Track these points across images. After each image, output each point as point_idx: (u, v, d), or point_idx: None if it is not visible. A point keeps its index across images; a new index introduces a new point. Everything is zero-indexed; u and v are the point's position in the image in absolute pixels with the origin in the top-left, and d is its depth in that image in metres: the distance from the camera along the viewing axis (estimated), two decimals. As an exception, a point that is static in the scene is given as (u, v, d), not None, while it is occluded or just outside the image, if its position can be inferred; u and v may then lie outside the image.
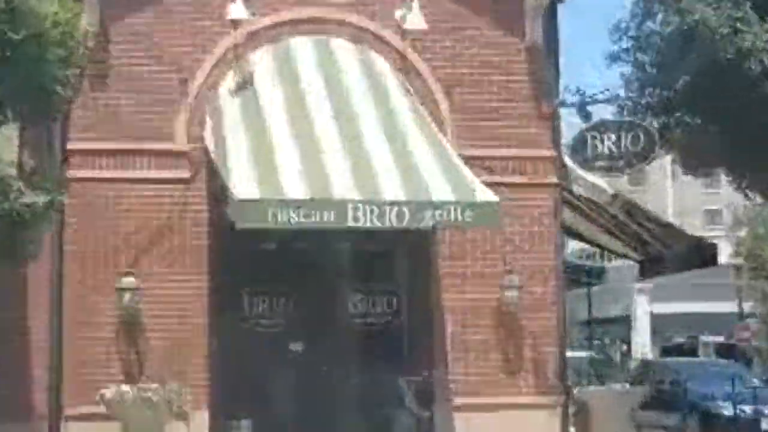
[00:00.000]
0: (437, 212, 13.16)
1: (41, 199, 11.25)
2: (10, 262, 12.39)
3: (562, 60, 16.42)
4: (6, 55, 9.80)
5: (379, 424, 14.79)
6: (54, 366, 14.25)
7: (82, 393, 13.99)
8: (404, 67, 15.23)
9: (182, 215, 14.59)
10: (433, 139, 14.35)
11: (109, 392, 13.74)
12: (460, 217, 13.32)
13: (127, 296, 14.16)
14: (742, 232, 41.17)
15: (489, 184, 13.84)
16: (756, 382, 28.45)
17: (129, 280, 14.16)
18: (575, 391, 17.41)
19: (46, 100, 11.05)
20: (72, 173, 14.25)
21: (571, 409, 16.63)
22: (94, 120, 14.46)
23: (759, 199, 23.31)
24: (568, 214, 17.52)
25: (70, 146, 14.32)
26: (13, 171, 11.61)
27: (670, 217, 24.07)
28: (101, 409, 13.76)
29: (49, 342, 14.30)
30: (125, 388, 13.82)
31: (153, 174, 14.61)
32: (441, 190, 13.34)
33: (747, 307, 40.16)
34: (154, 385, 13.84)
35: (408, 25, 15.16)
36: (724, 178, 19.27)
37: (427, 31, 15.23)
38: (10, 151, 12.58)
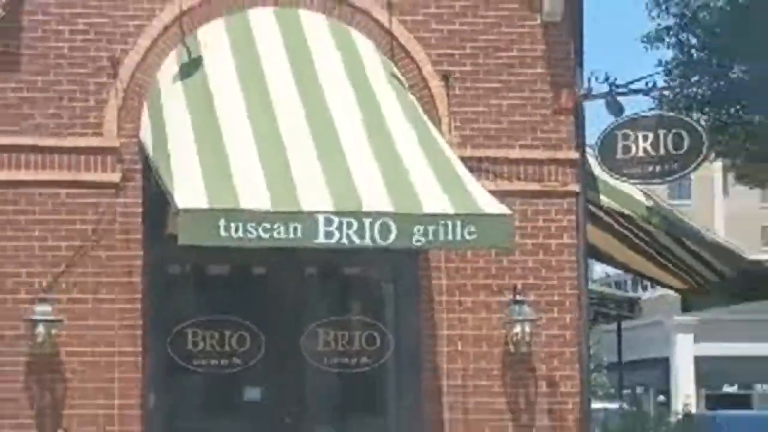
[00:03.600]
0: (430, 228, 13.02)
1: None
2: None
3: (587, 41, 16.41)
4: None
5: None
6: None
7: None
8: (391, 48, 15.19)
9: (111, 228, 14.52)
10: (426, 136, 14.26)
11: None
12: (459, 235, 13.15)
13: (40, 329, 14.04)
14: (809, 256, 41.43)
15: (496, 194, 13.81)
16: None
17: (43, 309, 14.03)
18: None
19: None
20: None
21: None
22: (6, 107, 14.39)
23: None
24: (593, 232, 17.49)
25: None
26: None
27: (720, 237, 24.29)
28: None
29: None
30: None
31: (74, 176, 14.52)
32: (435, 201, 13.20)
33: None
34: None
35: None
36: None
37: (421, 3, 15.24)
38: None
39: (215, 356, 15.47)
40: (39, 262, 14.28)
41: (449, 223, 13.01)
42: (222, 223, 12.46)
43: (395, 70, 15.06)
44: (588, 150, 16.69)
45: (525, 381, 15.14)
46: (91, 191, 14.49)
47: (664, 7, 17.34)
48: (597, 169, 17.14)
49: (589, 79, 16.75)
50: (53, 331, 13.97)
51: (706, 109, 16.88)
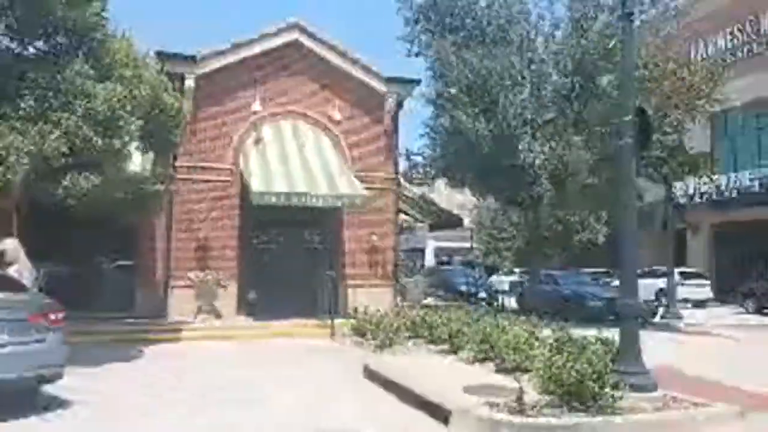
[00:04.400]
0: (343, 200, 13.19)
1: (162, 187, 11.01)
2: (148, 214, 12.14)
3: (401, 135, 16.36)
4: (146, 124, 9.49)
5: (316, 294, 14.55)
6: (168, 263, 14.00)
7: (179, 275, 13.74)
8: (332, 136, 15.10)
9: (227, 197, 14.29)
10: (342, 167, 14.32)
11: (191, 274, 13.65)
12: (353, 202, 13.39)
13: (201, 232, 13.87)
14: (474, 212, 41.66)
15: (367, 188, 13.87)
16: (477, 276, 29.31)
17: (202, 224, 13.88)
18: (401, 279, 17.57)
19: (167, 141, 10.76)
20: (178, 176, 13.84)
21: (398, 287, 16.77)
22: (190, 151, 14.02)
23: (482, 200, 23.79)
24: (401, 204, 17.57)
25: (177, 163, 13.89)
26: (149, 173, 11.26)
27: (444, 205, 24.81)
28: (188, 282, 13.54)
29: (165, 252, 14.05)
30: (199, 273, 13.64)
31: (215, 177, 14.25)
32: (344, 189, 13.34)
33: (475, 245, 40.86)
34: (211, 272, 13.66)
35: (334, 117, 15.07)
36: (467, 191, 19.38)
37: (341, 120, 15.15)
38: (148, 164, 12.20)
39: (268, 244, 15.33)
40: (204, 208, 14.05)
41: (350, 198, 13.18)
42: (268, 196, 12.46)
43: (333, 143, 14.93)
44: (400, 174, 16.77)
45: (375, 258, 15.20)
46: (220, 183, 14.24)
47: (426, 125, 17.21)
48: (402, 181, 17.24)
49: (401, 150, 16.85)
50: (205, 237, 13.90)
51: (439, 162, 16.95)
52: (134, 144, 9.96)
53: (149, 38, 12.76)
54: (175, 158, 13.78)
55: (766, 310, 19.43)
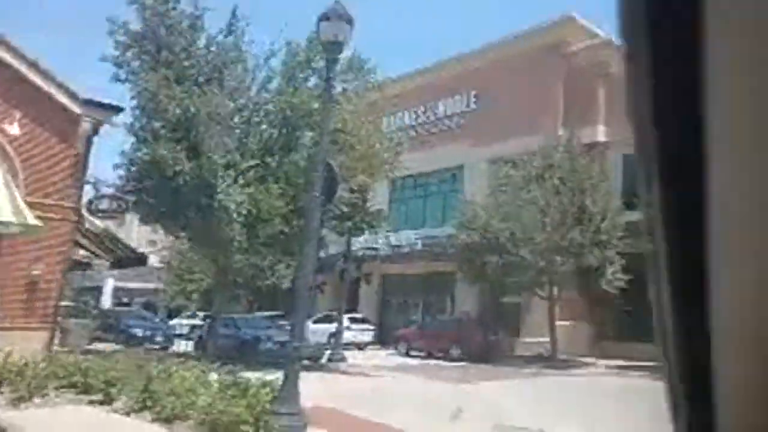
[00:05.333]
0: (9, 227, 11.44)
1: None
2: None
3: (92, 163, 14.88)
4: None
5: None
6: None
7: None
8: (4, 154, 13.05)
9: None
10: (10, 188, 12.28)
11: None
12: (13, 231, 11.63)
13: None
14: (164, 251, 38.39)
15: (39, 217, 12.18)
16: (155, 319, 28.09)
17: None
18: (64, 321, 15.78)
19: None
20: None
21: (58, 331, 14.94)
22: None
23: (174, 238, 22.83)
24: (79, 237, 15.82)
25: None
26: None
27: (134, 243, 23.02)
28: None
29: None
30: None
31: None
32: (7, 216, 11.49)
33: (163, 285, 38.08)
34: None
35: (9, 132, 13.24)
36: (160, 228, 18.60)
37: (18, 136, 13.38)
38: None
39: None
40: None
41: (12, 226, 11.47)
42: None
43: (2, 160, 13.02)
44: (82, 204, 15.18)
45: (34, 296, 13.23)
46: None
47: (123, 157, 16.23)
48: (87, 211, 15.58)
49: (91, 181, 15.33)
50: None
51: (130, 195, 16.14)
52: None
53: None
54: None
55: (413, 353, 22.52)
